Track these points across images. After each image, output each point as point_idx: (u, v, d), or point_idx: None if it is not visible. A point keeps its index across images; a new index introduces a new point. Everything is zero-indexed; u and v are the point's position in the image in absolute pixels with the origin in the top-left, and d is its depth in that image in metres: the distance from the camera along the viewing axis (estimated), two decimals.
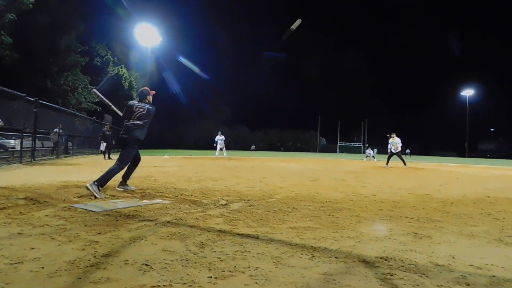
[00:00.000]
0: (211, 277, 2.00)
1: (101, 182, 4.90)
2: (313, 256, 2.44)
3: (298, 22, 7.42)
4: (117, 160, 5.31)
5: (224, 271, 2.09)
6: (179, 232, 2.97)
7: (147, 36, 33.54)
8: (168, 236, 2.85)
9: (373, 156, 28.98)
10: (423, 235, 3.17)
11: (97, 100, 29.23)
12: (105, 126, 18.82)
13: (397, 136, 16.06)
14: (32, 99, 12.20)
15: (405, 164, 16.25)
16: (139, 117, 5.42)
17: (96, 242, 2.62)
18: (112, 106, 5.90)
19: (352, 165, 17.42)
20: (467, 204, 5.09)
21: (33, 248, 2.42)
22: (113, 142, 17.67)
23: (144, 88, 5.84)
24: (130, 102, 5.59)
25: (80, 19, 29.47)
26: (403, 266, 2.31)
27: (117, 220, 3.37)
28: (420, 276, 2.13)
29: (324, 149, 70.37)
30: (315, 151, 68.45)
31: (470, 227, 3.60)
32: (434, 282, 2.03)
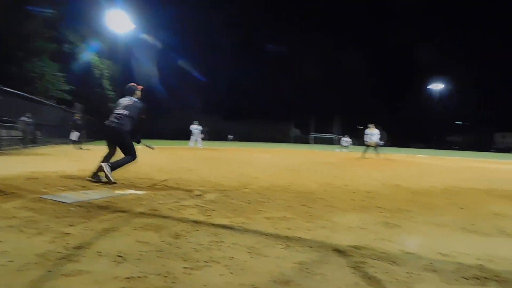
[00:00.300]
0: (186, 267, 2.00)
1: (115, 167, 5.02)
2: (288, 246, 2.48)
3: None
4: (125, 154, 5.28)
5: (199, 262, 2.09)
6: (153, 223, 2.94)
7: (120, 23, 32.63)
8: (142, 227, 2.82)
9: (347, 146, 28.97)
10: (393, 224, 3.27)
11: (67, 88, 28.32)
12: (76, 115, 18.27)
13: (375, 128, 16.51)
14: None
15: (378, 155, 16.63)
16: (124, 107, 5.31)
17: (67, 234, 2.55)
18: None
19: (326, 156, 17.67)
20: (435, 195, 5.28)
21: (0, 241, 2.34)
22: (84, 131, 17.16)
23: (132, 84, 5.66)
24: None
25: (47, 1, 28.14)
26: (374, 254, 2.37)
27: (89, 212, 3.30)
28: (391, 264, 2.20)
29: (298, 140, 70.94)
30: (289, 141, 68.97)
31: (438, 216, 3.74)
32: (403, 270, 2.11)
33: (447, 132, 78.32)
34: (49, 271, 1.87)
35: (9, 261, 1.99)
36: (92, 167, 5.34)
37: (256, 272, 1.98)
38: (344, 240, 2.70)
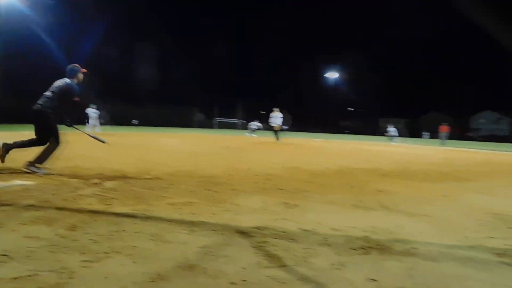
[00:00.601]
0: (84, 260, 1.88)
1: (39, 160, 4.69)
2: (192, 231, 2.48)
3: None
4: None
5: (98, 253, 1.98)
6: (45, 216, 2.67)
7: None
8: (31, 221, 2.55)
9: (255, 130, 29.33)
10: (293, 204, 3.48)
11: None
12: None
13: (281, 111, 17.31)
14: None
15: (278, 139, 17.40)
16: (54, 88, 4.90)
17: None
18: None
19: (230, 141, 17.92)
20: (330, 175, 5.74)
21: None
22: None
23: (74, 65, 5.11)
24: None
25: None
26: (275, 233, 2.51)
27: None
28: (290, 241, 2.36)
29: (202, 125, 70.75)
30: (193, 126, 68.39)
31: (332, 195, 4.09)
32: (301, 246, 2.27)
33: (340, 117, 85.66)
34: None
35: None
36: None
37: (160, 259, 1.95)
38: (247, 221, 2.79)
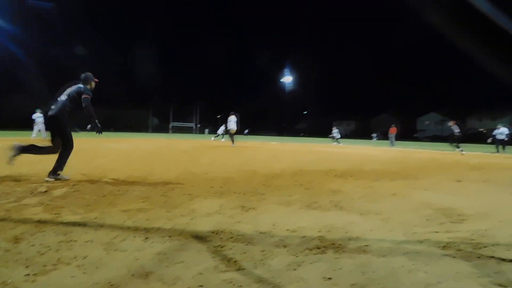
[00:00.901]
0: (29, 274, 1.77)
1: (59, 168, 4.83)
2: (147, 238, 2.41)
3: None
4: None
5: (45, 266, 1.87)
6: None
7: None
8: None
9: (218, 136, 28.74)
10: (249, 207, 3.49)
11: None
12: None
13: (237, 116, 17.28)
14: None
15: (233, 142, 17.38)
16: (67, 92, 5.13)
17: None
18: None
19: (185, 145, 17.66)
20: (285, 177, 5.82)
21: None
22: None
23: (89, 73, 5.44)
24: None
25: None
26: (232, 237, 2.50)
27: None
28: (247, 244, 2.35)
29: (157, 129, 69.26)
30: (147, 131, 66.74)
31: (287, 197, 4.14)
32: (258, 248, 2.28)
33: (295, 121, 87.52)
34: None
35: None
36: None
37: (113, 268, 1.88)
38: (203, 226, 2.76)
